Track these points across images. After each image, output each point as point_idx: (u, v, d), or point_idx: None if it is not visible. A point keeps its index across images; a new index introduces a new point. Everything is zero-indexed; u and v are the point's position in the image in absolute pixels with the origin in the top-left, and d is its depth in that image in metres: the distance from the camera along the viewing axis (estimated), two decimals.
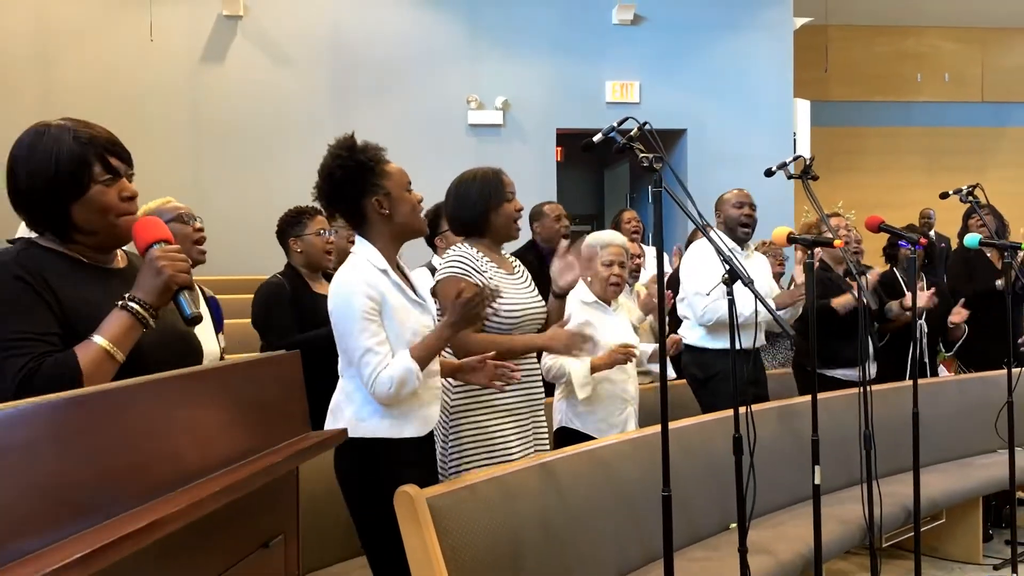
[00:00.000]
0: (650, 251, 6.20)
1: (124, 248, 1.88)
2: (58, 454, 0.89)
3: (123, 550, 0.86)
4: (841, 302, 4.46)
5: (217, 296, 3.39)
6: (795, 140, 9.71)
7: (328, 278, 3.75)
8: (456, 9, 8.94)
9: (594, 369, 3.38)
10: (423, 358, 2.47)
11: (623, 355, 3.41)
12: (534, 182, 8.78)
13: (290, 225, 3.72)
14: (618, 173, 11.59)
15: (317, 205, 3.87)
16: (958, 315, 5.08)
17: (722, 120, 9.37)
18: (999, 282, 5.06)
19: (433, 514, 2.46)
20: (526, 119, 9.06)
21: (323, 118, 8.68)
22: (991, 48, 13.36)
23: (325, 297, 3.54)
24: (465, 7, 8.95)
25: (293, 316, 3.51)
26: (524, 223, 3.37)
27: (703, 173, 9.08)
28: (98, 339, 1.60)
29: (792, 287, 4.84)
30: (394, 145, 9.19)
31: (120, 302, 1.64)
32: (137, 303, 1.64)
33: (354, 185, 2.55)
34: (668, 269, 6.29)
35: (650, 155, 2.51)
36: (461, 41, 8.97)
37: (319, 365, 2.93)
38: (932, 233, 10.14)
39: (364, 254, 2.55)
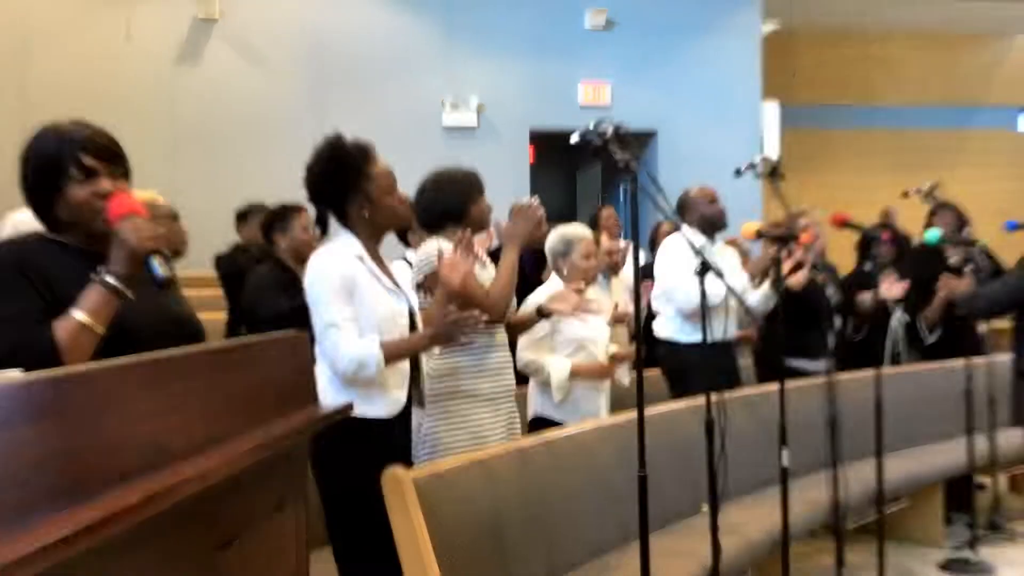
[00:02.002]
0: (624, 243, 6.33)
1: None
2: (62, 431, 0.89)
3: (140, 512, 0.92)
4: (797, 279, 4.52)
5: (192, 293, 3.49)
6: (763, 142, 9.90)
7: None
8: (431, 12, 9.05)
9: (575, 374, 3.50)
10: (391, 355, 2.54)
11: (606, 373, 3.56)
12: (508, 183, 8.90)
13: (276, 220, 3.82)
14: (590, 174, 11.73)
15: (303, 201, 4.00)
16: (946, 286, 5.08)
17: (692, 122, 9.54)
18: (953, 259, 5.11)
19: (420, 496, 2.56)
20: (500, 121, 9.18)
21: (298, 119, 8.75)
22: (953, 53, 13.66)
23: None
24: (440, 10, 9.06)
25: (285, 297, 3.62)
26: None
27: (674, 174, 9.21)
28: (74, 312, 1.68)
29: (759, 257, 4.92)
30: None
31: (94, 276, 1.72)
32: (111, 275, 1.72)
33: (337, 187, 2.64)
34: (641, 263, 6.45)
35: (626, 156, 2.62)
36: (436, 43, 9.07)
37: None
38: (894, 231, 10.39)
39: (343, 240, 2.66)
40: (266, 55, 8.71)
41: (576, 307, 3.23)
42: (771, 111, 10.21)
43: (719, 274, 2.85)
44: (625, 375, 4.00)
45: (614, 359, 3.76)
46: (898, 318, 5.28)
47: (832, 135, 13.26)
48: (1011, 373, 4.33)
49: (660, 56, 9.46)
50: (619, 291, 4.92)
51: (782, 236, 3.54)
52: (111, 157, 1.86)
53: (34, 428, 0.79)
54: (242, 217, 4.94)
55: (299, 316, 3.40)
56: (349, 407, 1.37)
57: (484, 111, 9.09)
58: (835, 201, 12.13)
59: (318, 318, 2.52)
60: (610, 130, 3.00)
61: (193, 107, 8.55)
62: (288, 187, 8.97)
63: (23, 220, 3.70)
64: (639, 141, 9.79)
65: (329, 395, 2.54)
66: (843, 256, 6.35)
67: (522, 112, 9.20)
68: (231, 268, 4.51)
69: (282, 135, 8.73)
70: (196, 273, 5.98)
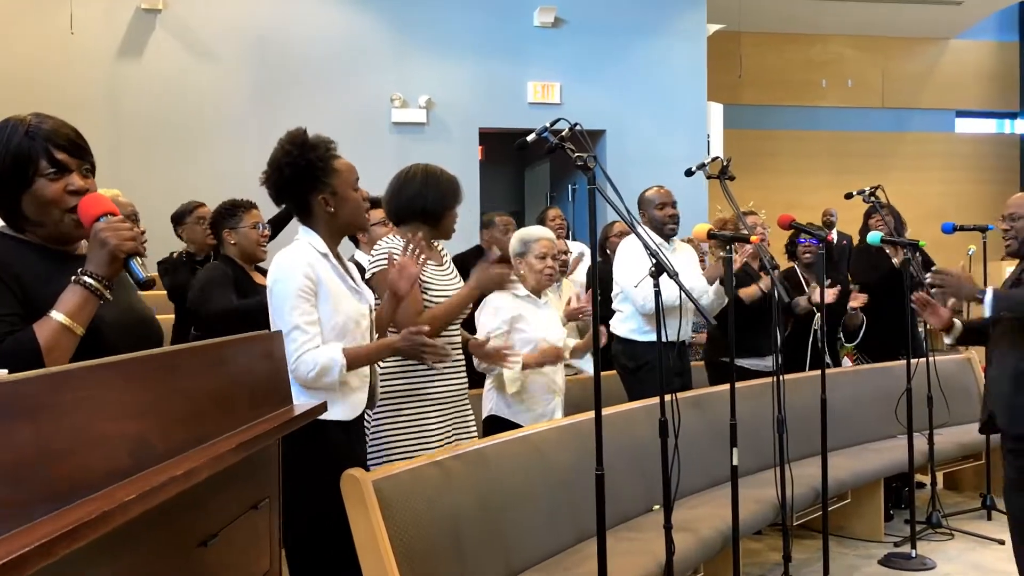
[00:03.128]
0: (575, 246, 6.37)
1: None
2: (47, 430, 0.88)
3: (126, 512, 0.93)
4: (748, 292, 4.70)
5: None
6: (709, 142, 10.04)
7: (263, 272, 3.83)
8: (380, 8, 8.99)
9: (525, 366, 3.52)
10: (353, 361, 2.54)
11: (553, 356, 3.57)
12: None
13: (224, 217, 3.76)
14: (538, 172, 11.78)
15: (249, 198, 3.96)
16: (857, 300, 5.29)
17: (640, 121, 9.63)
18: (896, 260, 5.28)
19: (379, 497, 2.56)
20: (449, 118, 9.17)
21: (245, 113, 8.63)
22: (891, 56, 14.02)
23: (264, 287, 3.63)
24: (389, 6, 9.01)
25: (232, 292, 3.57)
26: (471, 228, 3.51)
27: (622, 172, 9.29)
28: (55, 314, 1.66)
29: (713, 262, 5.03)
30: None
31: (74, 277, 1.69)
32: (90, 276, 1.69)
33: (302, 181, 2.62)
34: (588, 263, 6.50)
35: (584, 155, 2.64)
36: (385, 40, 9.02)
37: None
38: (834, 232, 10.63)
39: (307, 239, 2.65)
40: (212, 48, 8.57)
41: (500, 283, 3.28)
42: (715, 112, 10.36)
43: (673, 275, 2.89)
44: (588, 364, 4.03)
45: (575, 352, 3.79)
46: (817, 319, 5.39)
47: (774, 136, 13.52)
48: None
49: (609, 56, 9.54)
50: (569, 292, 4.96)
51: (733, 238, 3.59)
52: (80, 152, 1.82)
53: (19, 427, 0.78)
54: (178, 219, 4.82)
55: (248, 314, 3.39)
56: (323, 407, 1.37)
57: (433, 107, 9.06)
58: (776, 201, 12.37)
59: (281, 320, 2.50)
60: (566, 129, 3.02)
61: (136, 101, 8.39)
62: (234, 183, 8.87)
63: None
64: (590, 139, 9.85)
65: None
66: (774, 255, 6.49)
67: (471, 110, 9.20)
68: (175, 280, 4.41)
69: (228, 130, 8.61)
70: None
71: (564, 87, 9.43)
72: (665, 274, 2.87)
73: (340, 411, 2.59)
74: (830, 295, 4.92)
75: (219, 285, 3.59)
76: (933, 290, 3.51)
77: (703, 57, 9.85)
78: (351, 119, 8.77)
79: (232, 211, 3.74)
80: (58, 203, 1.77)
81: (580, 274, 5.83)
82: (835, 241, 10.16)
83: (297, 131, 2.66)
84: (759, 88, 13.16)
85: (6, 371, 1.08)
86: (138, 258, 1.71)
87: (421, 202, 3.12)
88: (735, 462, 3.36)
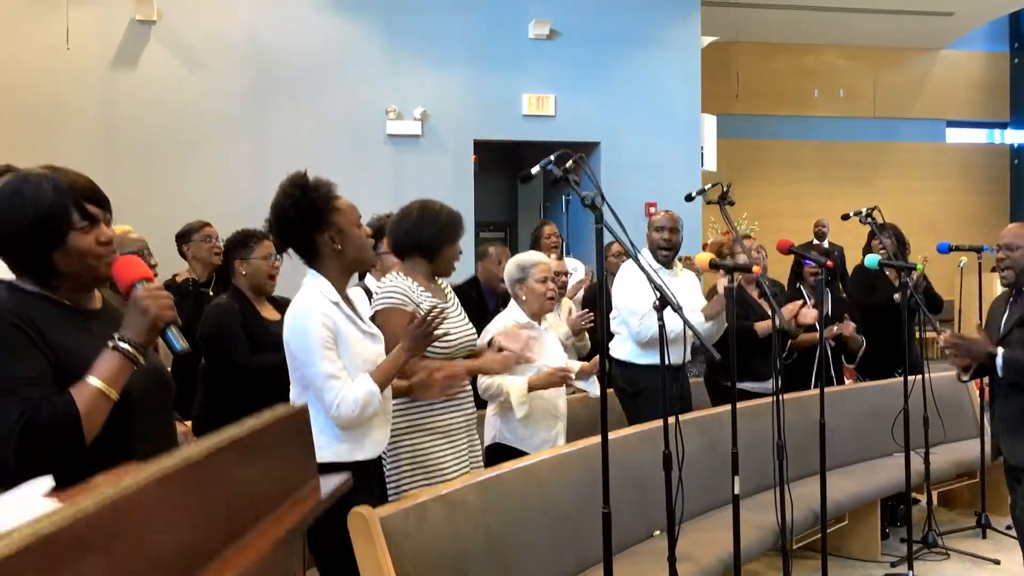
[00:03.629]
0: (570, 262, 6.39)
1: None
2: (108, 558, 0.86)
3: None
4: (763, 327, 4.73)
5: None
6: (703, 153, 10.07)
7: (272, 302, 3.83)
8: (375, 20, 9.00)
9: (531, 388, 3.54)
10: (382, 381, 2.59)
11: (560, 377, 3.59)
12: (451, 192, 8.89)
13: (237, 247, 3.75)
14: (532, 183, 11.80)
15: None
16: (847, 328, 5.38)
17: (634, 132, 9.66)
18: (896, 296, 5.40)
19: (386, 533, 2.57)
20: (444, 130, 9.18)
21: (240, 125, 8.63)
22: (882, 67, 14.10)
23: (273, 322, 3.65)
24: (383, 18, 9.01)
25: (243, 339, 3.57)
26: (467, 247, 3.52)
27: (616, 184, 9.32)
28: (93, 380, 1.67)
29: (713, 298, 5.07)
30: (312, 153, 9.31)
31: (111, 343, 1.71)
32: (127, 343, 1.71)
33: (307, 223, 2.63)
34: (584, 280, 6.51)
35: (591, 194, 2.65)
36: (380, 51, 9.03)
37: (271, 390, 3.06)
38: (826, 242, 10.67)
39: (316, 286, 2.65)
40: (206, 60, 8.56)
41: (525, 346, 3.28)
42: (709, 123, 10.40)
43: (677, 309, 2.90)
44: (594, 386, 4.02)
45: (580, 374, 3.80)
46: (826, 343, 5.44)
47: (765, 145, 13.58)
48: None
49: (603, 68, 9.56)
50: (566, 311, 4.99)
51: (735, 268, 3.61)
52: (104, 202, 1.84)
53: (90, 561, 0.79)
54: (184, 238, 4.81)
55: (267, 370, 3.41)
56: (348, 482, 1.38)
57: (428, 119, 9.07)
58: (767, 209, 12.46)
59: (313, 373, 2.53)
60: (570, 162, 3.04)
61: (130, 111, 8.37)
62: (228, 195, 8.89)
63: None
64: (582, 151, 9.87)
65: (322, 444, 2.56)
66: (775, 275, 6.53)
67: (466, 121, 9.21)
68: (181, 310, 4.38)
69: (223, 142, 8.60)
70: None
71: (559, 99, 9.45)
72: (669, 308, 2.89)
73: (365, 451, 2.64)
74: (811, 316, 4.92)
75: (228, 326, 3.59)
76: (947, 350, 3.59)
77: (697, 69, 9.89)
78: (346, 131, 8.79)
79: (244, 241, 3.74)
80: (92, 254, 1.79)
81: (576, 293, 5.85)
82: (837, 263, 10.23)
83: (298, 174, 2.67)
84: (751, 98, 13.22)
85: (50, 479, 1.09)
86: (174, 326, 1.73)
87: (416, 236, 3.13)
88: (737, 491, 3.37)
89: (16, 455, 1.63)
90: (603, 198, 2.67)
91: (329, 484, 1.28)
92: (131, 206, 7.70)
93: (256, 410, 2.86)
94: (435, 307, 2.73)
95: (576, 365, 4.30)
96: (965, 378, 3.71)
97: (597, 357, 3.82)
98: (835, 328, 5.27)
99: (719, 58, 12.51)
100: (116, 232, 2.57)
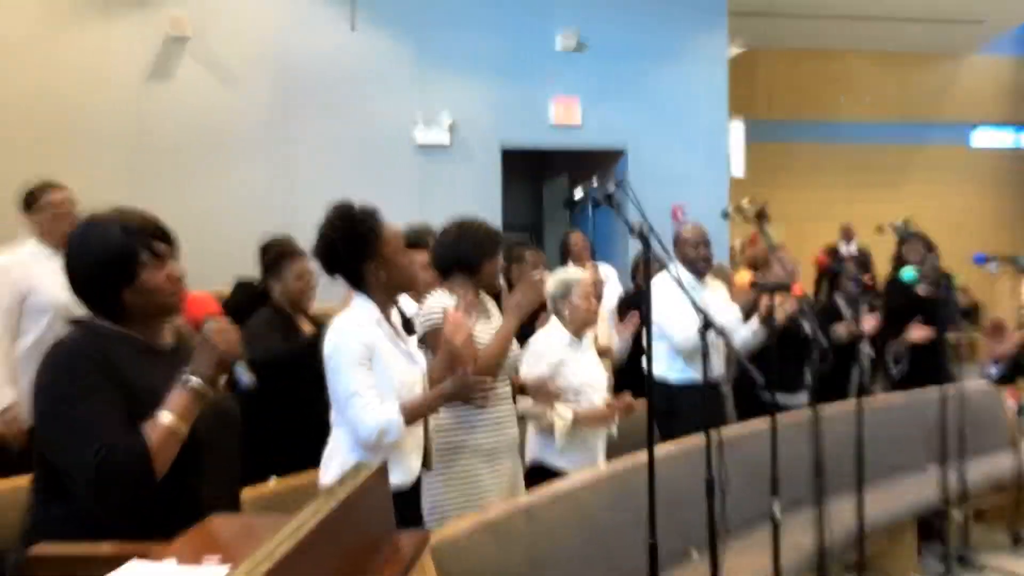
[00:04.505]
0: (602, 268, 6.38)
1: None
2: None
3: None
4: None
5: None
6: (730, 160, 10.06)
7: (310, 319, 3.87)
8: (403, 32, 9.04)
9: (576, 422, 3.56)
10: (410, 416, 2.60)
11: (601, 420, 3.62)
12: (479, 200, 8.94)
13: (272, 265, 3.80)
14: (556, 185, 11.80)
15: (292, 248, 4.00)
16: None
17: (660, 141, 9.66)
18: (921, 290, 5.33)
19: (435, 558, 2.60)
20: (472, 139, 9.21)
21: (271, 136, 8.70)
22: (909, 71, 14.00)
23: (310, 336, 3.69)
24: (412, 30, 9.05)
25: (278, 342, 3.61)
26: None
27: (642, 191, 9.14)
28: (164, 417, 1.72)
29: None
30: (342, 163, 9.35)
31: (182, 379, 1.75)
32: (196, 377, 1.76)
33: (354, 254, 2.68)
34: (618, 286, 6.52)
35: (640, 224, 2.67)
36: (408, 62, 9.07)
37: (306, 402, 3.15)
38: (853, 246, 10.64)
39: (360, 305, 2.70)
40: (237, 73, 8.63)
41: (553, 396, 3.33)
42: (737, 129, 10.38)
43: (720, 332, 2.92)
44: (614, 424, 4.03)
45: (611, 407, 3.81)
46: (864, 351, 5.42)
47: (792, 149, 13.52)
48: None
49: (630, 77, 9.57)
50: (602, 321, 4.98)
51: (776, 287, 3.62)
52: (171, 240, 1.90)
53: None
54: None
55: (292, 361, 3.46)
56: (428, 537, 1.41)
57: (456, 129, 9.11)
58: (794, 213, 12.40)
59: (341, 387, 2.57)
60: (612, 186, 3.06)
61: (163, 125, 8.46)
62: (259, 207, 8.96)
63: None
64: (608, 159, 9.89)
65: (353, 462, 2.59)
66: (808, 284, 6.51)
67: (494, 130, 9.24)
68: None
69: (253, 154, 8.67)
70: None
71: (585, 108, 9.47)
72: (713, 330, 2.91)
73: (398, 476, 2.63)
74: (871, 324, 4.91)
75: (264, 333, 3.63)
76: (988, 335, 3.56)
77: (724, 79, 9.88)
78: (375, 141, 8.85)
79: (279, 259, 3.79)
80: (163, 291, 1.85)
81: (610, 300, 5.84)
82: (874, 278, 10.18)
83: (343, 204, 2.71)
84: (778, 103, 13.18)
85: (175, 561, 1.13)
86: (242, 363, 1.77)
87: (456, 254, 3.18)
88: (777, 515, 3.38)
89: (92, 494, 1.67)
90: (651, 227, 2.69)
91: (408, 544, 1.31)
92: (164, 216, 7.76)
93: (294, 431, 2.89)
94: (489, 386, 2.76)
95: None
96: (994, 372, 3.69)
97: (626, 398, 3.79)
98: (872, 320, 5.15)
99: (746, 64, 12.47)
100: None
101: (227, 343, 1.78)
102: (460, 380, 2.65)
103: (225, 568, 1.05)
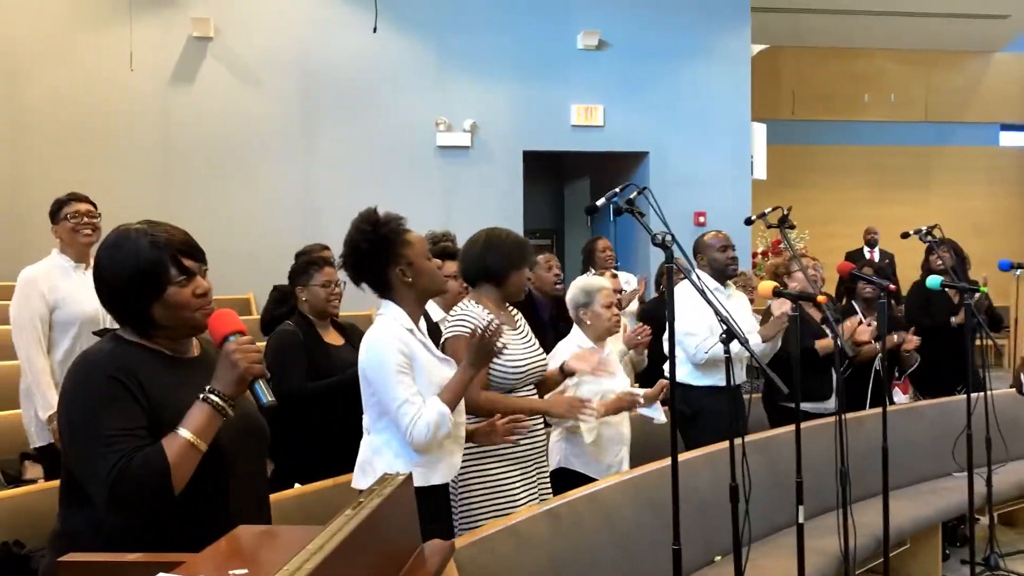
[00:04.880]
0: (623, 276, 6.40)
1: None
2: None
3: None
4: (823, 345, 4.71)
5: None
6: (752, 162, 10.01)
7: (337, 326, 3.90)
8: (424, 33, 9.08)
9: (603, 414, 3.55)
10: (451, 401, 2.65)
11: (629, 402, 3.60)
12: (501, 202, 8.97)
13: (298, 274, 3.82)
14: (578, 188, 11.80)
15: (326, 254, 4.04)
16: (910, 343, 5.33)
17: (683, 142, 9.64)
18: (954, 319, 5.37)
19: (458, 565, 2.62)
20: (493, 141, 9.24)
21: (292, 139, 8.76)
22: (934, 70, 13.87)
23: (335, 347, 3.72)
24: (433, 31, 9.09)
25: (306, 365, 3.62)
26: None
27: (664, 193, 9.28)
28: (183, 432, 1.73)
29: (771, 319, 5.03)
30: (364, 166, 9.43)
31: (201, 395, 1.77)
32: (217, 395, 1.76)
33: (378, 258, 2.70)
34: (636, 290, 6.52)
35: (661, 233, 2.66)
36: (430, 65, 9.11)
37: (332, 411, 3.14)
38: (876, 250, 10.56)
39: (391, 314, 2.72)
40: (260, 75, 8.71)
41: (595, 367, 3.31)
42: (759, 131, 10.33)
43: (743, 342, 2.91)
44: (658, 413, 4.01)
45: (645, 399, 3.79)
46: (878, 360, 5.39)
47: (814, 150, 13.44)
48: None
49: (652, 77, 9.56)
50: (622, 328, 4.98)
51: (799, 296, 3.60)
52: (200, 255, 1.91)
53: None
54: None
55: (324, 395, 3.48)
56: (451, 547, 1.42)
57: (477, 131, 9.14)
58: (817, 216, 12.32)
59: (389, 398, 2.60)
60: (634, 193, 3.05)
61: (187, 126, 8.55)
62: (280, 207, 9.02)
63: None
64: (630, 161, 9.87)
65: (398, 468, 2.62)
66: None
67: (515, 132, 9.27)
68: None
69: (275, 155, 8.74)
70: None
71: (607, 109, 9.47)
72: (736, 341, 2.90)
73: (440, 475, 2.70)
74: (867, 333, 4.88)
75: (289, 359, 3.63)
76: None
77: (747, 78, 9.85)
78: (397, 144, 8.89)
79: (305, 269, 3.81)
80: (189, 307, 1.86)
81: (631, 306, 5.86)
82: (878, 259, 10.13)
83: (368, 210, 2.74)
84: (800, 103, 13.11)
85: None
86: (263, 380, 1.77)
87: (483, 264, 3.18)
88: (801, 520, 3.37)
89: (108, 506, 1.69)
90: (673, 236, 2.68)
91: (433, 554, 1.32)
92: (187, 219, 7.84)
93: (317, 438, 2.92)
94: (492, 321, 2.77)
95: (657, 411, 4.25)
96: None
97: (661, 381, 3.81)
98: (895, 337, 5.20)
99: (768, 64, 12.41)
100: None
101: (248, 361, 1.78)
102: (471, 346, 2.67)
103: None
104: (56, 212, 3.83)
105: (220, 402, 1.76)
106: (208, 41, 8.54)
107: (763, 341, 4.33)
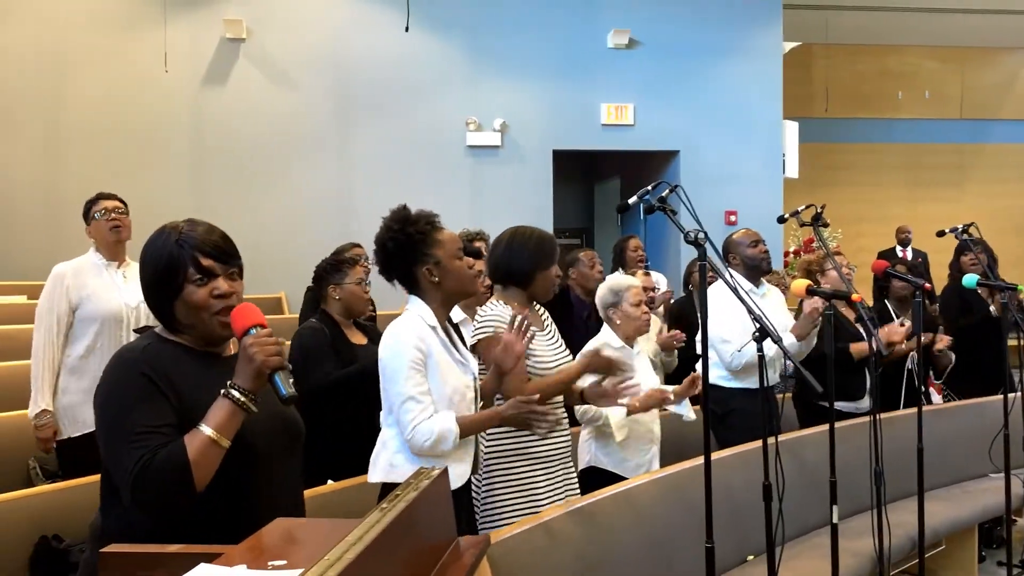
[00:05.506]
0: (653, 276, 6.37)
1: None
2: None
3: None
4: (859, 349, 4.66)
5: None
6: (784, 161, 9.95)
7: (360, 327, 3.92)
8: (455, 33, 9.11)
9: (630, 411, 3.54)
10: (466, 429, 2.62)
11: (658, 399, 3.58)
12: (530, 201, 8.97)
13: (330, 272, 3.83)
14: (609, 187, 11.78)
15: (356, 253, 4.06)
16: (942, 342, 5.27)
17: (714, 141, 9.60)
18: (993, 308, 5.29)
19: (491, 561, 2.62)
20: (523, 140, 9.25)
21: (324, 139, 8.82)
22: (970, 66, 13.69)
23: (360, 346, 3.74)
24: (464, 31, 9.12)
25: (333, 361, 3.64)
26: None
27: (695, 192, 9.15)
28: (204, 428, 1.74)
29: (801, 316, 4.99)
30: (395, 165, 9.49)
31: (223, 390, 1.78)
32: (237, 390, 1.77)
33: (406, 256, 2.70)
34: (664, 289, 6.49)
35: (694, 231, 2.65)
36: (460, 64, 9.14)
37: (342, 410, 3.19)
38: (909, 249, 10.45)
39: (416, 311, 2.72)
40: (292, 75, 8.78)
41: (613, 366, 3.26)
42: (791, 130, 10.25)
43: (777, 341, 2.90)
44: (687, 410, 3.99)
45: (678, 395, 3.77)
46: (911, 357, 5.33)
47: (847, 148, 13.32)
48: None
49: (683, 75, 9.53)
50: (655, 327, 4.96)
51: (833, 295, 3.57)
52: (225, 257, 1.90)
53: None
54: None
55: (347, 383, 3.51)
56: (487, 540, 1.43)
57: (507, 130, 9.15)
58: (849, 215, 12.21)
59: (395, 391, 2.59)
60: (666, 191, 3.04)
61: (219, 125, 8.65)
62: (312, 207, 9.10)
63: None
64: (661, 160, 9.84)
65: (399, 463, 2.62)
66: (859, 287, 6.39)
67: (545, 131, 9.27)
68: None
69: (308, 155, 8.81)
70: None
71: (637, 108, 9.44)
72: (769, 339, 2.88)
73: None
74: (900, 334, 4.82)
75: (316, 355, 3.66)
76: None
77: (779, 75, 9.78)
78: (427, 142, 8.93)
79: (338, 266, 3.82)
80: (205, 307, 1.86)
81: (662, 307, 5.83)
82: (911, 258, 10.02)
83: (398, 208, 2.74)
84: (833, 101, 12.98)
85: (245, 567, 1.15)
86: (282, 372, 1.77)
87: (507, 265, 3.16)
88: (835, 520, 3.35)
89: (132, 500, 1.72)
90: (706, 235, 2.67)
91: (469, 547, 1.33)
92: (219, 218, 7.92)
93: (329, 437, 2.92)
94: (520, 318, 2.77)
95: (687, 408, 4.23)
96: None
97: (692, 375, 3.79)
98: (930, 338, 5.14)
99: (800, 61, 12.32)
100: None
101: (266, 354, 1.77)
102: (519, 407, 2.65)
103: (292, 574, 1.08)
104: (87, 212, 3.89)
105: (241, 397, 1.76)
106: (240, 42, 8.63)
107: (797, 340, 4.29)
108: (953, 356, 5.42)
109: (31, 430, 3.76)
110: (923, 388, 5.45)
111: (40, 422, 3.72)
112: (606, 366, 3.16)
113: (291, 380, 1.78)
